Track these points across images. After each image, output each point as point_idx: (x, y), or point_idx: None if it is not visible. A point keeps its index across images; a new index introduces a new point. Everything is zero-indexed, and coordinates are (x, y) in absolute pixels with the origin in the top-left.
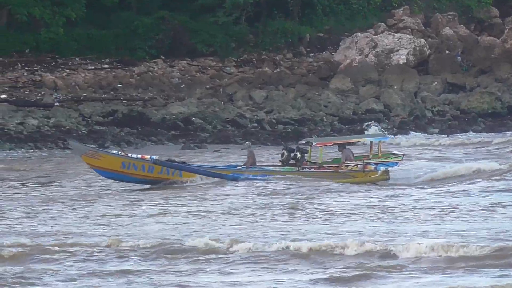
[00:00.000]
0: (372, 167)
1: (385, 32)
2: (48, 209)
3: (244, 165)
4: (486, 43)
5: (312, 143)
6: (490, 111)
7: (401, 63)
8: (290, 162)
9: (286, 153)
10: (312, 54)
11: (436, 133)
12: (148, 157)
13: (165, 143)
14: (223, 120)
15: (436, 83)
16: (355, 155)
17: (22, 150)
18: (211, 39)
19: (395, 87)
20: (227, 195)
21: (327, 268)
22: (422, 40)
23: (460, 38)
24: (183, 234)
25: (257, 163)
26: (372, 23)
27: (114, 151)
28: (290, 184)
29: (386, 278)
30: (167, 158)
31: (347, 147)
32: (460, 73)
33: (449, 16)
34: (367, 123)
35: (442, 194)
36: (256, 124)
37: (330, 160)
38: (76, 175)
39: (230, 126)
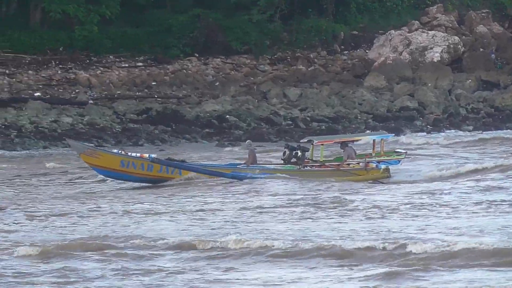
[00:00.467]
0: (374, 165)
1: (419, 29)
2: (102, 206)
3: (244, 163)
4: None
5: (313, 141)
6: None
7: (435, 61)
8: (292, 160)
9: (287, 152)
10: (346, 52)
11: (470, 131)
12: (147, 155)
13: (199, 141)
14: (257, 118)
15: (470, 80)
16: (358, 153)
17: (56, 147)
18: (245, 37)
19: (429, 84)
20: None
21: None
22: (456, 37)
23: (494, 36)
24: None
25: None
26: (406, 20)
27: (115, 150)
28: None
29: None
30: (166, 157)
31: (349, 145)
32: (494, 70)
33: (483, 14)
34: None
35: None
36: (290, 122)
37: (332, 158)
38: None
39: (264, 123)
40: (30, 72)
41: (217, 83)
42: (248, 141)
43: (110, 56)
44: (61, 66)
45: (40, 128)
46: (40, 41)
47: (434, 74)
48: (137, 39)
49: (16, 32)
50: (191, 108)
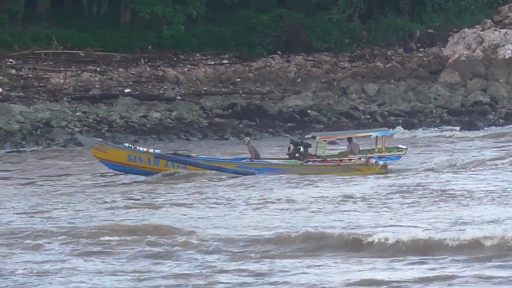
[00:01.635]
0: (374, 161)
1: (492, 28)
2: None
3: (249, 159)
4: None
5: (316, 137)
6: None
7: (507, 58)
8: (295, 155)
9: (292, 147)
10: (422, 49)
11: None
12: (152, 150)
13: (282, 135)
14: (337, 113)
15: None
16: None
17: (145, 141)
18: (326, 35)
19: (501, 80)
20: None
21: None
22: None
23: None
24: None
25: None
26: (479, 19)
27: (126, 144)
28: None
29: None
30: (172, 152)
31: (353, 141)
32: None
33: None
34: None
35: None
36: (368, 116)
37: (335, 154)
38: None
39: (344, 118)
40: (120, 69)
41: (298, 80)
42: (247, 138)
43: (197, 54)
44: (149, 64)
45: (130, 123)
46: (130, 40)
47: (506, 70)
48: (223, 37)
49: (107, 32)
50: (274, 103)
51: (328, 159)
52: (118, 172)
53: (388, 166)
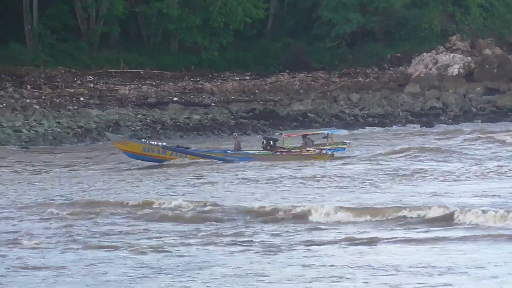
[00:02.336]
0: (325, 151)
1: (443, 52)
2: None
3: (233, 150)
4: None
5: (282, 134)
6: None
7: (454, 74)
8: (268, 148)
9: (265, 142)
10: (392, 68)
11: (480, 123)
12: (160, 144)
13: (289, 131)
14: (329, 115)
15: (479, 88)
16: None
17: (189, 136)
18: (321, 58)
19: (450, 91)
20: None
21: None
22: (469, 58)
23: (496, 57)
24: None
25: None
26: (434, 46)
27: (143, 139)
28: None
29: None
30: (176, 145)
31: (307, 137)
32: (497, 80)
33: (488, 41)
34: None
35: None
36: (352, 118)
37: (297, 146)
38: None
39: (334, 119)
40: (170, 83)
41: (301, 91)
42: (235, 133)
43: (226, 72)
44: (192, 79)
45: (177, 123)
46: (177, 62)
47: (454, 84)
48: (245, 60)
49: (161, 56)
50: (283, 108)
51: (292, 150)
52: (135, 160)
53: (335, 155)
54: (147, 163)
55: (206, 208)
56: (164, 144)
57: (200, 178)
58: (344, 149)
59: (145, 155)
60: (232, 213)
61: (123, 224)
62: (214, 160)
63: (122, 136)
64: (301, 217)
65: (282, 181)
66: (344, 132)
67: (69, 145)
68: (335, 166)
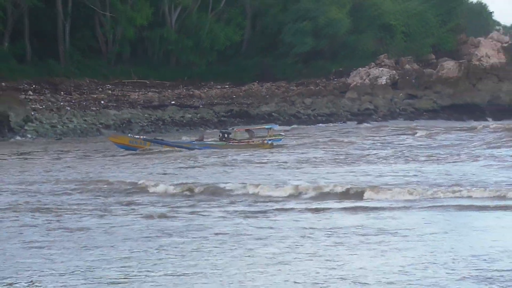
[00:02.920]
0: (266, 141)
1: (374, 67)
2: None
3: (196, 140)
4: (428, 73)
5: (234, 128)
6: (430, 109)
7: (383, 84)
8: (223, 139)
9: (220, 134)
10: (336, 79)
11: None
12: (142, 137)
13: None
14: (288, 114)
15: (401, 94)
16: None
17: (183, 130)
18: (283, 72)
19: (380, 96)
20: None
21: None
22: (394, 71)
23: (414, 70)
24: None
25: (214, 140)
26: (368, 63)
27: (130, 134)
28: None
29: None
30: (153, 137)
31: (252, 130)
32: (415, 88)
33: (408, 59)
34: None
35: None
36: (306, 116)
37: (245, 138)
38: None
39: (292, 117)
40: (169, 91)
41: (267, 96)
42: (201, 129)
43: (211, 82)
44: (185, 87)
45: (174, 120)
46: (175, 74)
47: (382, 91)
48: (226, 73)
49: (162, 69)
50: (254, 109)
51: (242, 140)
52: (123, 150)
53: (274, 144)
54: (133, 151)
55: (195, 188)
56: (144, 137)
57: (190, 163)
58: (281, 139)
59: (130, 146)
60: (217, 191)
61: (135, 197)
62: (183, 148)
63: (114, 132)
64: (255, 194)
65: (235, 165)
66: (277, 127)
67: (92, 137)
68: (280, 153)
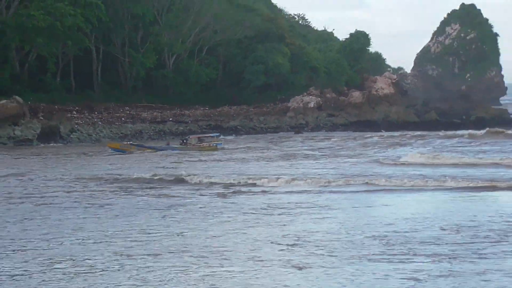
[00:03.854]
0: (213, 145)
1: (306, 95)
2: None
3: (165, 145)
4: (341, 99)
5: (190, 136)
6: (343, 123)
7: (311, 107)
8: (182, 144)
9: (181, 141)
10: (280, 104)
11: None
12: (129, 143)
13: (229, 136)
14: (248, 127)
15: (324, 113)
16: (211, 141)
17: (178, 138)
18: (245, 98)
19: (310, 115)
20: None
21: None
22: (319, 98)
23: (332, 98)
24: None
25: (181, 145)
26: (302, 92)
27: (125, 142)
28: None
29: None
30: (137, 143)
31: (202, 137)
32: (333, 110)
33: (328, 90)
34: (216, 133)
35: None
36: (260, 128)
37: (199, 144)
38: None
39: (251, 129)
40: (168, 111)
41: (234, 115)
42: (167, 139)
43: (196, 106)
44: (179, 109)
45: (171, 131)
46: (172, 100)
47: (311, 112)
48: (207, 99)
49: (163, 97)
50: (225, 124)
51: (195, 144)
52: (115, 153)
53: (218, 147)
54: (122, 154)
55: (184, 176)
56: (131, 142)
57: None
58: (221, 143)
59: (120, 149)
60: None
61: (136, 185)
62: (156, 150)
63: (109, 140)
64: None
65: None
66: (219, 135)
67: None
68: (225, 154)
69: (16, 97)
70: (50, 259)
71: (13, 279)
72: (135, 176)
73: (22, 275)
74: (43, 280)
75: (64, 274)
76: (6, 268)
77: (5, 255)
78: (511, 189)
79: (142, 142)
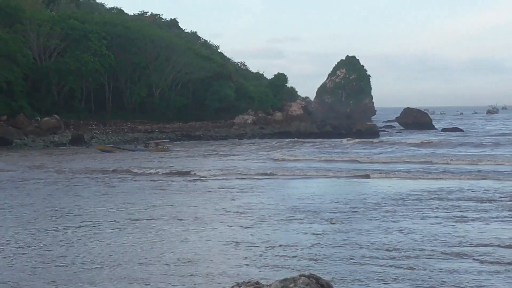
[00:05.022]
0: (166, 147)
1: (246, 115)
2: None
3: (135, 147)
4: (269, 118)
5: (151, 141)
6: (271, 133)
7: (249, 122)
8: (146, 146)
9: (144, 144)
10: (229, 120)
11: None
12: (111, 146)
13: (203, 142)
14: (208, 136)
15: (258, 126)
16: (162, 143)
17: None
18: (207, 117)
19: (248, 128)
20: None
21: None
22: (254, 117)
23: (262, 117)
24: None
25: (141, 147)
26: (243, 112)
27: (110, 145)
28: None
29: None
30: (116, 145)
31: (159, 142)
32: (262, 124)
33: (259, 111)
34: (167, 140)
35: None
36: (216, 136)
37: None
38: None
39: (210, 137)
40: (155, 125)
41: (199, 127)
42: (135, 143)
43: (174, 121)
44: (162, 124)
45: (158, 138)
46: (158, 118)
47: (249, 125)
48: (181, 117)
49: (152, 115)
50: (193, 133)
51: (154, 147)
52: (103, 153)
53: (169, 149)
54: (108, 154)
55: (154, 170)
56: (112, 145)
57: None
58: (171, 146)
59: (106, 150)
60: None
61: (124, 176)
62: (131, 151)
63: (96, 143)
64: (188, 173)
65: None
66: (169, 140)
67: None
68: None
69: (55, 116)
70: (90, 220)
71: (57, 231)
72: (125, 169)
73: (64, 229)
74: (85, 233)
75: (87, 232)
76: (58, 224)
77: (60, 214)
78: (379, 178)
79: (138, 145)
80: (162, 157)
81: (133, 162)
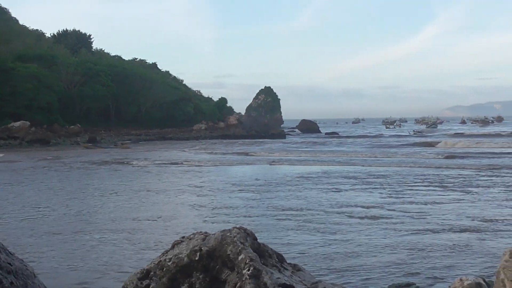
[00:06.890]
0: (127, 146)
1: (201, 124)
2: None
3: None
4: (216, 125)
5: (119, 142)
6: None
7: (203, 129)
8: (116, 145)
9: (113, 144)
10: (191, 127)
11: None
12: (90, 144)
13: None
14: (177, 138)
15: (208, 131)
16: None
17: (149, 144)
18: (176, 125)
19: (202, 132)
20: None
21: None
22: (206, 125)
23: (210, 125)
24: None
25: (112, 146)
26: (199, 122)
27: (90, 143)
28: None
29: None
30: (96, 144)
31: (125, 142)
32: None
33: (210, 121)
34: (129, 140)
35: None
36: (181, 138)
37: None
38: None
39: (177, 138)
40: (143, 131)
41: (170, 132)
42: (120, 142)
43: (154, 128)
44: (148, 130)
45: (145, 140)
46: (147, 126)
47: (202, 131)
48: (161, 125)
49: (143, 125)
50: (167, 135)
51: (121, 145)
52: (88, 150)
53: (130, 147)
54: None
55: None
56: (92, 144)
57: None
58: (131, 146)
59: (88, 147)
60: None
61: (120, 166)
62: (104, 148)
63: (84, 142)
64: (178, 163)
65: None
66: (129, 141)
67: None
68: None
69: (78, 125)
70: (102, 192)
71: (71, 200)
72: (113, 159)
73: (77, 198)
74: (99, 201)
75: (101, 197)
76: (67, 201)
77: (71, 194)
78: (284, 164)
79: (110, 144)
80: (126, 152)
81: (106, 156)
